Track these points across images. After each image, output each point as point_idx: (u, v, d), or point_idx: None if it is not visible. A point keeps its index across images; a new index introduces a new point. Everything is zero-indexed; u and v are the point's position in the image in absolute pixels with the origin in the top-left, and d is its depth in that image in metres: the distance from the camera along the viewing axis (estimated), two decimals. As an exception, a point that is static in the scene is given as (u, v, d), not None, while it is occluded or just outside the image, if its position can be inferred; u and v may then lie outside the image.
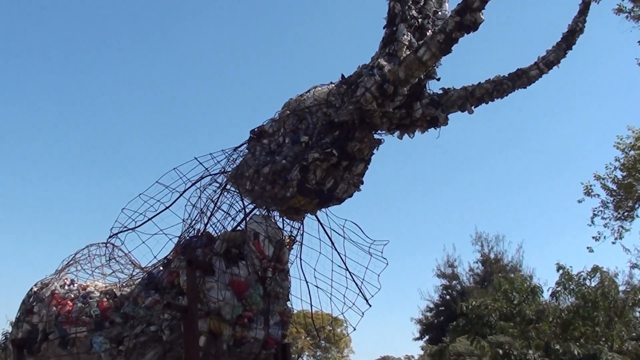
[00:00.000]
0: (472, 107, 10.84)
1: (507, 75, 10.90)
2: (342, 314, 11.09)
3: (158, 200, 10.99)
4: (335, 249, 11.30)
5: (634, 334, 23.07)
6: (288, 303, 11.30)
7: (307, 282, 11.23)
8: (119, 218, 11.05)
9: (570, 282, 22.76)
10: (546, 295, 23.84)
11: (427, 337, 49.93)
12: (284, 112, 11.02)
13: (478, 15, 9.46)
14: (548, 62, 10.95)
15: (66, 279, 12.43)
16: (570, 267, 23.17)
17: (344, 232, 11.27)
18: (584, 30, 11.13)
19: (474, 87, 10.83)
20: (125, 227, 11.07)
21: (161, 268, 11.27)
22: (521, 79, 10.89)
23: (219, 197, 11.09)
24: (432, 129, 10.85)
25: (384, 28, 10.78)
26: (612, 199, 23.35)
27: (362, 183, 10.81)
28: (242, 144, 11.18)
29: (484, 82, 10.84)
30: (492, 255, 49.89)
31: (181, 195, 11.09)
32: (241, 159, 11.07)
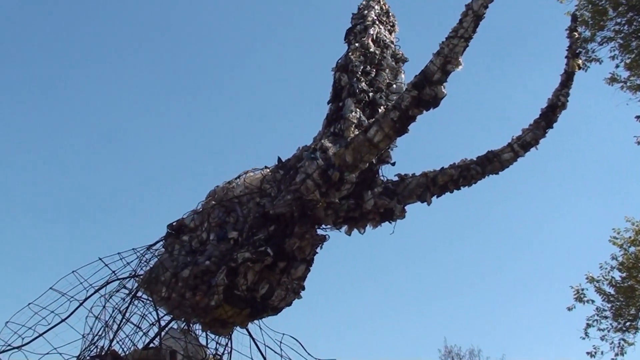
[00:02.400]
0: (434, 197, 11.11)
1: (475, 159, 11.20)
2: None
3: (52, 311, 10.76)
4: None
5: None
6: None
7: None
8: (1, 333, 10.72)
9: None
10: None
11: None
12: (208, 202, 11.13)
13: (439, 89, 9.84)
14: (524, 143, 11.26)
15: None
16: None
17: (281, 349, 11.17)
18: (567, 105, 11.49)
19: (436, 173, 11.11)
20: (10, 345, 10.74)
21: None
22: (492, 163, 11.19)
23: (128, 307, 10.93)
24: (387, 222, 11.06)
25: (328, 103, 11.12)
26: (609, 305, 23.31)
27: (304, 289, 10.86)
28: (157, 242, 11.18)
29: (447, 167, 11.13)
30: (466, 375, 49.51)
31: (81, 304, 10.92)
32: (156, 259, 11.01)
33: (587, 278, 23.66)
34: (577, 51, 11.86)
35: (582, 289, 23.51)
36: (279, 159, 11.09)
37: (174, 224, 11.16)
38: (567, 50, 11.69)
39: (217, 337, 11.37)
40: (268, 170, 11.12)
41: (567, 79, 11.55)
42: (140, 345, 10.88)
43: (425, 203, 11.18)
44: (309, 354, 11.10)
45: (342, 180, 10.37)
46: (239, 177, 11.25)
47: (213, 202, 11.08)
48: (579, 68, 11.72)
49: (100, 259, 10.92)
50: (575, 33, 11.77)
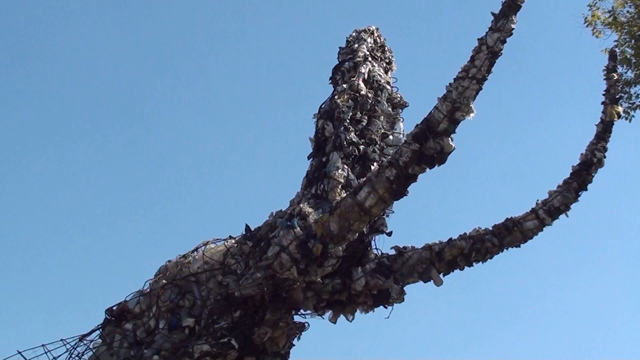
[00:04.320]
0: (441, 276, 11.02)
1: (490, 229, 11.14)
2: None
3: None
4: None
5: None
6: None
7: None
8: None
9: None
10: None
11: None
12: (157, 281, 10.98)
13: (446, 142, 9.79)
14: (552, 208, 11.21)
15: None
16: None
17: None
18: (604, 162, 11.44)
19: (443, 245, 11.04)
20: None
21: None
22: (512, 233, 11.13)
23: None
24: (381, 307, 10.96)
25: (309, 158, 11.10)
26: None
27: (277, 390, 10.66)
28: (92, 331, 11.02)
29: (456, 239, 11.07)
30: None
31: None
32: (91, 353, 10.86)
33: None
34: (617, 96, 11.79)
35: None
36: (247, 227, 10.95)
37: (114, 308, 10.99)
38: (604, 95, 11.63)
39: None
40: (233, 241, 10.97)
41: (604, 130, 11.50)
42: None
43: (433, 283, 11.08)
44: None
45: (326, 255, 10.22)
46: (196, 249, 11.10)
47: (164, 280, 10.90)
48: (619, 117, 11.63)
49: (19, 352, 10.61)
50: (614, 74, 11.70)
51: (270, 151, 41.61)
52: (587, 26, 19.62)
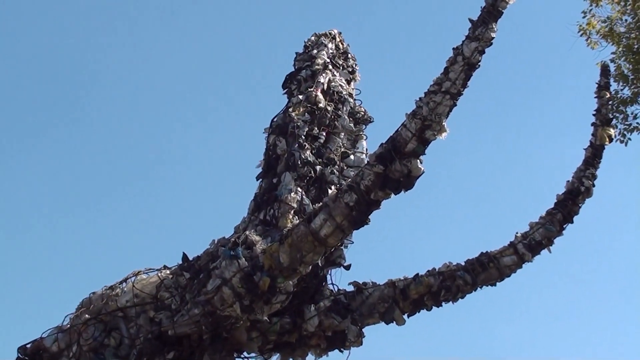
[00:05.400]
0: (405, 316, 10.99)
1: (463, 264, 11.12)
2: None
3: None
4: None
5: None
6: None
7: None
8: None
9: None
10: None
11: None
12: (79, 315, 10.77)
13: (414, 165, 9.69)
14: (532, 243, 11.21)
15: None
16: None
17: None
18: (592, 192, 11.46)
19: (408, 282, 10.99)
20: None
21: None
22: (487, 270, 11.09)
23: None
24: (337, 350, 10.88)
25: (257, 179, 11.04)
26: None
27: None
28: (1, 372, 10.81)
29: (424, 275, 11.02)
30: None
31: None
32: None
33: None
34: (609, 117, 11.83)
35: None
36: (184, 257, 10.80)
37: (28, 346, 10.77)
38: (594, 114, 11.67)
39: None
40: (168, 272, 10.84)
41: (594, 155, 11.54)
42: None
43: (395, 323, 11.04)
44: None
45: (274, 290, 10.08)
46: (125, 280, 10.93)
47: (86, 315, 10.69)
48: (611, 140, 11.62)
49: None
50: (606, 92, 11.73)
51: (213, 169, 40.11)
52: (581, 35, 19.54)
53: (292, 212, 10.46)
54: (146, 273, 10.99)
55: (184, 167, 39.55)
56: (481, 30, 9.55)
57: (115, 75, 41.08)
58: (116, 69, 41.37)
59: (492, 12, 9.55)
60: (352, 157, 11.35)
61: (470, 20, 9.65)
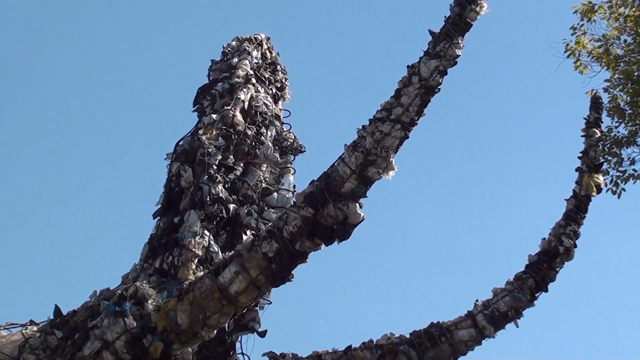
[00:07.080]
0: None
1: (409, 336, 10.87)
2: None
3: None
4: None
5: None
6: None
7: None
8: None
9: None
10: None
11: None
12: None
13: (352, 209, 9.45)
14: (496, 314, 11.02)
15: None
16: None
17: None
18: (573, 254, 11.30)
19: (338, 355, 10.84)
20: None
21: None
22: (438, 345, 10.86)
23: None
24: None
25: (154, 216, 10.87)
26: None
27: None
28: None
29: (358, 348, 10.83)
30: None
31: None
32: None
33: None
34: (599, 161, 11.70)
35: None
36: (57, 310, 10.53)
37: None
38: (580, 157, 11.57)
39: None
40: (35, 329, 10.56)
41: (578, 209, 11.43)
42: None
43: None
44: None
45: (168, 358, 9.93)
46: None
47: None
48: (599, 190, 11.45)
49: None
50: (596, 130, 11.62)
51: (98, 204, 38.31)
52: (568, 56, 19.23)
53: (195, 260, 10.34)
54: (7, 329, 10.76)
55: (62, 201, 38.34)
56: (444, 46, 9.43)
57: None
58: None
59: (459, 24, 9.43)
60: (275, 195, 11.26)
61: (431, 33, 9.48)
